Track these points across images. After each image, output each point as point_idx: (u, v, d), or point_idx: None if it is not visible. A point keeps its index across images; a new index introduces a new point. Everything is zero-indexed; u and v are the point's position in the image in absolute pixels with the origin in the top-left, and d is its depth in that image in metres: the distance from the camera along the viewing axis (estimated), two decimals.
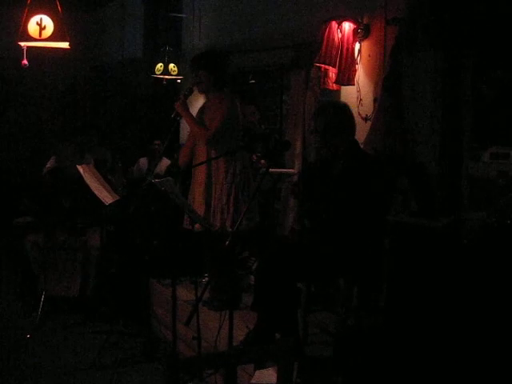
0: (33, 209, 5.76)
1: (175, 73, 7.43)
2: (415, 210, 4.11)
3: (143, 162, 7.28)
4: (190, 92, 4.49)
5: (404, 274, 3.78)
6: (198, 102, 6.69)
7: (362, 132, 4.47)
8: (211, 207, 4.39)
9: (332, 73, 4.75)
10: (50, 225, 5.33)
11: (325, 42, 4.60)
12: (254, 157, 5.34)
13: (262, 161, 5.34)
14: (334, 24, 4.61)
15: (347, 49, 4.64)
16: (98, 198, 4.62)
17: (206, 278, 4.76)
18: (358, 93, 4.72)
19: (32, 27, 3.79)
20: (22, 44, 3.82)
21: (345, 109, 3.76)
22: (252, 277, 4.78)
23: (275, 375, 2.70)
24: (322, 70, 4.81)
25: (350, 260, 3.49)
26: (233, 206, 4.35)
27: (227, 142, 4.38)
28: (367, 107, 4.66)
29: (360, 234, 3.48)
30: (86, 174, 4.74)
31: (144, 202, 5.14)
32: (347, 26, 4.64)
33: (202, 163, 4.36)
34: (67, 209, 5.36)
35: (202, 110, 4.59)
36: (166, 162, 6.69)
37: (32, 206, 5.78)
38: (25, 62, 3.83)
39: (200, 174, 4.46)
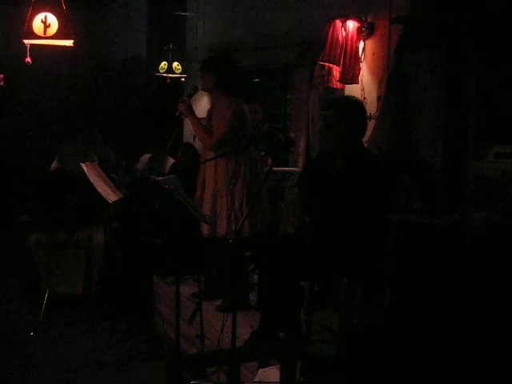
0: (32, 208, 5.76)
1: (179, 71, 7.41)
2: (419, 208, 4.10)
3: (145, 158, 7.23)
4: (196, 90, 4.44)
5: (408, 273, 3.77)
6: (203, 101, 6.72)
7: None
8: (216, 211, 4.35)
9: (336, 71, 4.74)
10: (50, 224, 5.33)
11: (329, 41, 4.59)
12: (259, 156, 5.32)
13: (269, 160, 5.31)
14: (338, 22, 4.61)
15: (351, 47, 4.63)
16: (101, 196, 4.62)
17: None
18: (362, 91, 4.71)
19: (37, 25, 3.79)
20: (27, 42, 3.82)
21: (363, 109, 3.73)
22: (255, 275, 4.77)
23: (278, 374, 2.70)
24: (326, 68, 4.80)
25: (353, 258, 3.48)
26: (241, 211, 4.29)
27: (232, 147, 4.28)
28: (371, 105, 4.65)
29: (361, 232, 3.47)
30: (90, 172, 4.74)
31: (148, 199, 5.14)
32: (351, 25, 4.63)
33: (203, 162, 4.34)
34: (71, 207, 5.36)
35: (210, 115, 4.51)
36: (170, 161, 6.68)
37: (32, 205, 5.78)
38: (28, 59, 3.83)
39: (206, 176, 4.43)
